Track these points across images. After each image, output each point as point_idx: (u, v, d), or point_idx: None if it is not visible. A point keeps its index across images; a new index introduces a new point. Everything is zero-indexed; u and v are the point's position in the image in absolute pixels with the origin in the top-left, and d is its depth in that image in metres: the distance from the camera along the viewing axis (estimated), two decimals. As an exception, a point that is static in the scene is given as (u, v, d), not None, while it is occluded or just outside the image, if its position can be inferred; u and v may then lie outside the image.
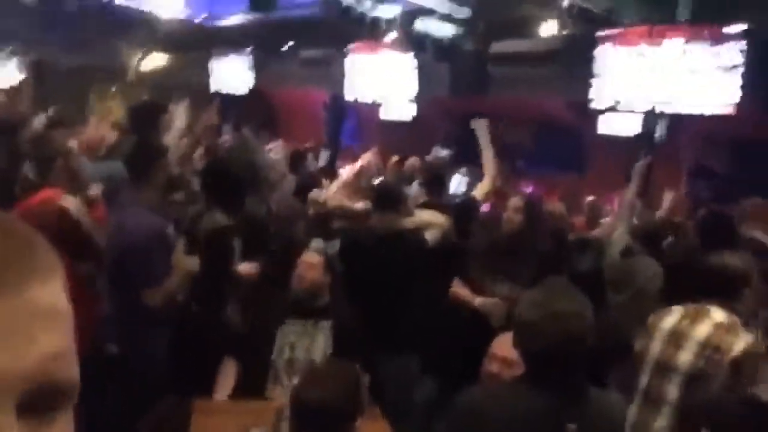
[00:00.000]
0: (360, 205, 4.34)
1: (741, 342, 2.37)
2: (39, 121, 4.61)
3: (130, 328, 3.09)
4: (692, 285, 2.67)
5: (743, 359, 2.34)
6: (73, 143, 3.88)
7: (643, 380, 2.61)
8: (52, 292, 0.45)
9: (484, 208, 5.45)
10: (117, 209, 3.16)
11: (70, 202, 3.02)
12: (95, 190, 3.35)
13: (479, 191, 4.80)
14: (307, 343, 3.06)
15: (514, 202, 4.05)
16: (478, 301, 3.57)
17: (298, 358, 3.04)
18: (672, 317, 2.57)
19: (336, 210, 4.39)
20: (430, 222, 4.10)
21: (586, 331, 1.84)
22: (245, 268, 3.57)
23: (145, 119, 4.20)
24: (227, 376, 3.05)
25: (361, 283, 3.73)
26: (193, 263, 3.19)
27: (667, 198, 4.88)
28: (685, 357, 2.45)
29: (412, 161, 6.62)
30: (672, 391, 2.49)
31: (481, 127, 4.62)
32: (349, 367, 2.19)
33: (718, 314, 2.46)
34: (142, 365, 3.04)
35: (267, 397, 2.95)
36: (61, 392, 0.44)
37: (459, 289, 3.67)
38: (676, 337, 2.50)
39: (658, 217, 4.78)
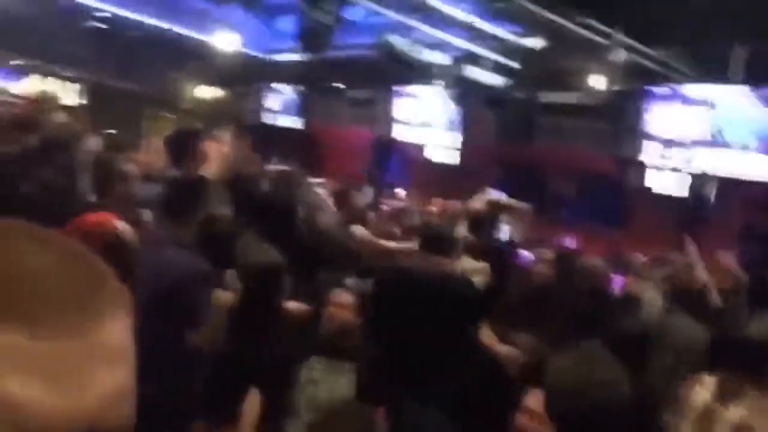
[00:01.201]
0: (392, 244, 4.32)
1: None
2: (95, 142, 4.74)
3: (166, 362, 3.08)
4: (732, 356, 2.58)
5: None
6: (132, 167, 3.97)
7: None
8: (119, 331, 0.44)
9: (526, 256, 5.39)
10: (155, 244, 2.98)
11: (124, 227, 3.08)
12: (147, 216, 3.36)
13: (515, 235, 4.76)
14: (330, 382, 3.05)
15: (546, 254, 3.99)
16: (499, 348, 3.53)
17: (319, 396, 3.02)
18: (704, 392, 2.47)
19: (371, 248, 4.39)
20: (474, 269, 4.06)
21: (620, 401, 1.79)
22: (294, 306, 3.55)
23: (182, 148, 4.18)
24: (251, 409, 3.04)
25: (392, 324, 3.69)
26: (229, 298, 3.17)
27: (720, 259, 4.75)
28: None
29: (454, 204, 6.60)
30: None
31: None
32: (364, 411, 2.17)
33: (751, 393, 2.36)
34: (174, 400, 3.03)
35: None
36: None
37: (486, 333, 3.64)
38: (708, 419, 2.40)
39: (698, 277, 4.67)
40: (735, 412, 2.34)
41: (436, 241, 3.85)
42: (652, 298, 4.09)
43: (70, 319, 0.42)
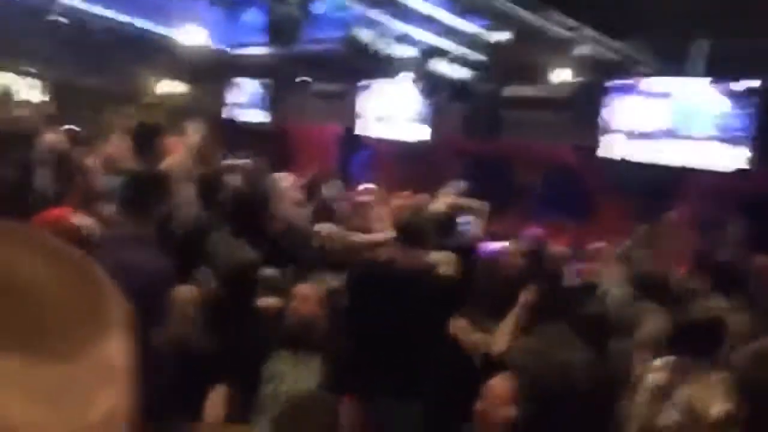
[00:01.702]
0: (365, 237, 4.34)
1: (718, 407, 2.33)
2: (57, 137, 4.67)
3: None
4: (685, 340, 2.64)
5: (717, 425, 2.30)
6: (92, 161, 3.92)
7: None
8: (118, 349, 0.43)
9: (493, 248, 5.44)
10: (115, 243, 2.90)
11: (85, 221, 3.03)
12: (109, 209, 3.32)
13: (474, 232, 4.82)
14: (295, 375, 3.05)
15: (513, 246, 4.04)
16: (473, 337, 3.56)
17: (284, 389, 3.02)
18: (658, 374, 2.53)
19: (342, 243, 4.38)
20: (442, 261, 4.09)
21: (586, 382, 1.83)
22: (266, 302, 3.55)
23: (144, 142, 4.14)
24: (215, 403, 3.03)
25: (368, 317, 3.69)
26: (190, 293, 3.15)
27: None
28: (667, 418, 2.42)
29: (422, 198, 6.64)
30: None
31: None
32: (330, 401, 2.18)
33: (703, 373, 2.43)
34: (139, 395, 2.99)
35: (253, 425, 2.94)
36: None
37: (458, 324, 3.67)
38: (662, 397, 2.47)
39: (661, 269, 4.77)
40: (686, 390, 2.41)
41: (412, 232, 3.87)
42: (614, 285, 4.18)
43: (70, 337, 0.40)
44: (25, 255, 0.41)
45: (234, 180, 5.53)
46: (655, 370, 2.55)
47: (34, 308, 0.39)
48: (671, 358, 2.53)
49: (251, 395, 3.04)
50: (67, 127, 4.67)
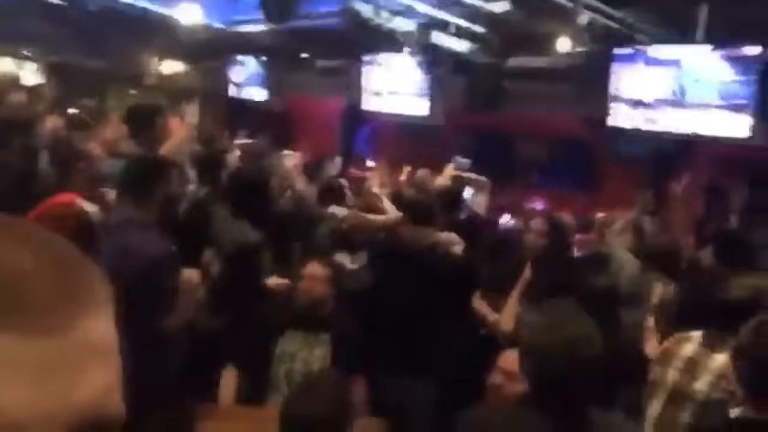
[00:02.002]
0: (381, 218, 4.32)
1: None
2: (57, 121, 4.65)
3: (139, 348, 3.02)
4: (706, 313, 2.64)
5: None
6: (94, 146, 3.90)
7: (656, 407, 2.59)
8: (104, 325, 0.43)
9: (504, 222, 5.43)
10: (116, 228, 2.89)
11: (89, 208, 3.03)
12: (112, 194, 3.31)
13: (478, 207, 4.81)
14: (306, 355, 3.06)
15: (537, 224, 4.00)
16: (493, 317, 3.57)
17: (296, 368, 3.04)
18: (690, 345, 2.55)
19: (357, 227, 4.37)
20: (450, 241, 4.08)
21: (595, 357, 1.83)
22: (274, 282, 3.54)
23: (143, 123, 4.10)
24: (228, 384, 3.06)
25: (385, 296, 3.69)
26: (195, 277, 3.14)
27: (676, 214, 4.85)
28: (701, 386, 2.44)
29: (424, 174, 6.61)
30: (685, 418, 2.48)
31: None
32: (340, 381, 2.19)
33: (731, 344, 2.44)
34: (150, 378, 3.00)
35: (267, 406, 2.96)
36: (108, 427, 0.43)
37: (479, 304, 3.69)
38: (693, 366, 2.49)
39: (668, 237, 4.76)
40: (719, 359, 2.41)
41: (420, 212, 3.86)
42: (622, 257, 4.17)
43: (53, 316, 0.40)
44: (8, 244, 0.41)
45: (234, 159, 5.52)
46: (688, 341, 2.56)
47: (12, 288, 0.39)
48: (701, 332, 2.54)
49: (261, 376, 3.06)
50: (70, 111, 4.65)
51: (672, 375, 2.55)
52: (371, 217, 4.39)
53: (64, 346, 0.40)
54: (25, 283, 0.40)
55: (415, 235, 3.84)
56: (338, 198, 4.71)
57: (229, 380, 3.07)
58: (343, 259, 4.08)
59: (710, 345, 2.50)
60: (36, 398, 0.38)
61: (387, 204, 4.50)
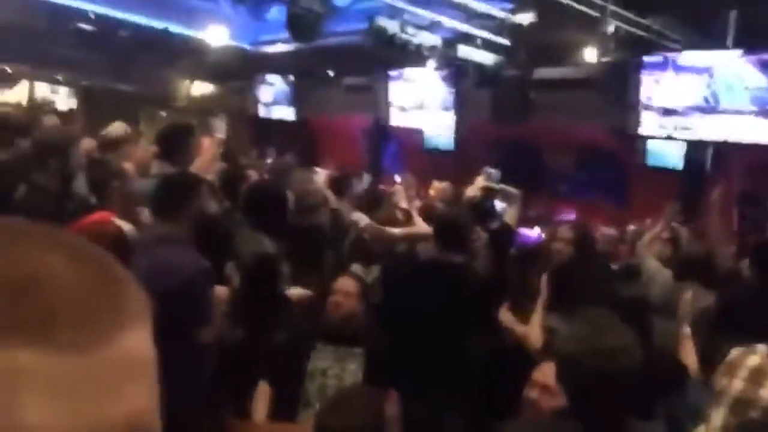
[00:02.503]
0: (398, 231, 4.31)
1: None
2: (90, 143, 4.73)
3: (176, 364, 3.04)
4: (749, 323, 2.58)
5: None
6: (128, 166, 3.96)
7: (720, 416, 2.54)
8: (141, 341, 0.41)
9: (534, 236, 5.38)
10: (149, 245, 2.92)
11: (124, 226, 3.07)
12: (146, 213, 3.35)
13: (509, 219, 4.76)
14: (338, 371, 3.05)
15: (564, 232, 3.95)
16: (521, 329, 3.52)
17: (329, 384, 3.02)
18: (756, 356, 2.50)
19: (376, 238, 4.36)
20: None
21: (634, 367, 1.79)
22: (297, 293, 3.55)
23: (174, 144, 4.17)
24: (261, 400, 3.05)
25: (401, 311, 3.67)
26: (224, 292, 3.17)
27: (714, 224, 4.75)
28: (766, 394, 2.39)
29: (447, 188, 6.57)
30: (750, 425, 2.43)
31: None
32: (373, 395, 2.16)
33: None
34: (184, 394, 3.02)
35: (300, 422, 2.95)
36: None
37: (506, 316, 3.64)
38: (759, 375, 2.44)
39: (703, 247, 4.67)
40: None
41: (450, 231, 3.78)
42: (653, 267, 4.10)
43: (87, 329, 0.38)
44: (40, 251, 0.40)
45: (255, 175, 5.57)
46: (753, 353, 2.51)
47: (47, 302, 0.38)
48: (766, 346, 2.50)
49: (294, 391, 3.05)
50: (103, 133, 4.75)
51: (737, 385, 2.50)
52: (389, 229, 4.37)
53: (99, 364, 0.38)
54: (61, 294, 0.38)
55: (443, 253, 3.78)
56: (365, 212, 4.74)
57: (262, 395, 3.06)
58: (358, 271, 4.07)
59: None
60: (64, 418, 0.37)
61: (417, 219, 4.48)
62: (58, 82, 11.16)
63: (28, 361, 0.36)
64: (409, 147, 10.51)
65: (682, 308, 3.53)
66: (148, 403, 0.41)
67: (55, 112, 7.09)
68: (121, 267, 0.43)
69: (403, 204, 4.92)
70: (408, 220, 4.52)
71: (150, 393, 0.42)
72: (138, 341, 0.41)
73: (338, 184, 5.98)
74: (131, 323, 0.41)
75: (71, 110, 10.92)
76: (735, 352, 2.54)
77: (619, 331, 1.82)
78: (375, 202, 4.85)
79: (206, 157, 4.22)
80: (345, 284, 3.18)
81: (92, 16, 8.75)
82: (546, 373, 2.18)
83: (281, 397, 3.04)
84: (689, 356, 3.18)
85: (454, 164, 8.64)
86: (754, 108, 5.83)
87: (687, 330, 3.32)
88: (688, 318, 3.42)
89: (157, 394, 0.42)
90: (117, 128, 4.73)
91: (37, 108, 6.44)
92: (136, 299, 0.42)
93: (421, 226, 4.28)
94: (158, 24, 9.10)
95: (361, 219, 4.51)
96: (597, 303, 2.80)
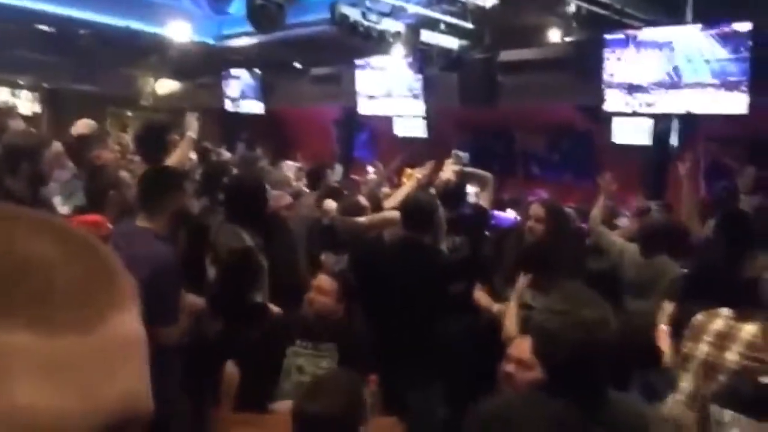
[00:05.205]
0: (363, 219, 4.29)
1: None
2: (57, 147, 4.67)
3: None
4: (719, 294, 2.64)
5: None
6: (126, 174, 3.96)
7: (688, 381, 2.59)
8: (130, 322, 0.42)
9: (510, 218, 5.42)
10: (121, 236, 2.88)
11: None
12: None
13: (483, 201, 4.81)
14: (314, 367, 3.05)
15: (535, 210, 3.98)
16: (496, 308, 3.57)
17: (305, 381, 3.02)
18: (720, 320, 2.55)
19: (348, 224, 4.35)
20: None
21: (610, 338, 1.82)
22: (191, 300, 3.49)
23: (154, 142, 4.19)
24: (229, 385, 3.03)
25: (376, 296, 3.69)
26: (199, 303, 3.17)
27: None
28: (731, 357, 2.44)
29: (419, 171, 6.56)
30: (717, 388, 2.48)
31: None
32: (350, 377, 2.18)
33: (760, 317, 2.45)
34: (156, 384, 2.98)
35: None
36: (135, 424, 0.41)
37: (481, 295, 3.68)
38: (724, 339, 2.49)
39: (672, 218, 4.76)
40: (748, 329, 2.41)
41: (417, 214, 3.81)
42: (619, 242, 4.17)
43: (82, 309, 0.39)
44: (31, 234, 0.40)
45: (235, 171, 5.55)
46: (717, 316, 2.56)
47: (42, 283, 0.38)
48: (734, 310, 2.55)
49: (271, 386, 3.05)
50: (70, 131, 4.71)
51: (702, 349, 2.55)
52: (358, 219, 4.36)
53: (95, 343, 0.39)
54: (55, 273, 0.39)
55: (410, 236, 3.80)
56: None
57: (230, 378, 3.03)
58: (329, 259, 4.08)
59: (739, 318, 2.49)
60: (57, 398, 0.37)
61: (391, 204, 4.49)
62: (20, 86, 10.95)
63: (23, 342, 0.37)
64: (381, 135, 10.51)
65: (660, 284, 3.62)
66: (141, 384, 0.41)
67: (19, 116, 6.95)
68: (109, 250, 0.43)
69: (386, 189, 4.92)
70: (376, 209, 4.52)
71: (143, 374, 0.42)
72: (131, 322, 0.42)
73: (311, 176, 5.97)
74: (124, 304, 0.41)
75: (35, 114, 10.73)
76: (699, 317, 2.60)
77: (594, 304, 1.85)
78: (338, 192, 4.86)
79: (181, 153, 4.22)
80: (321, 281, 3.17)
81: (50, 18, 8.58)
82: (521, 347, 2.21)
83: (255, 392, 3.02)
84: (663, 332, 3.24)
85: (426, 150, 8.66)
86: (715, 81, 5.93)
87: (668, 307, 3.39)
88: (664, 296, 3.50)
89: (148, 371, 0.43)
90: (82, 125, 4.70)
91: (3, 113, 6.31)
92: (126, 281, 0.43)
93: (391, 213, 4.28)
94: (119, 22, 8.95)
95: (331, 208, 4.50)
96: (570, 278, 2.85)
